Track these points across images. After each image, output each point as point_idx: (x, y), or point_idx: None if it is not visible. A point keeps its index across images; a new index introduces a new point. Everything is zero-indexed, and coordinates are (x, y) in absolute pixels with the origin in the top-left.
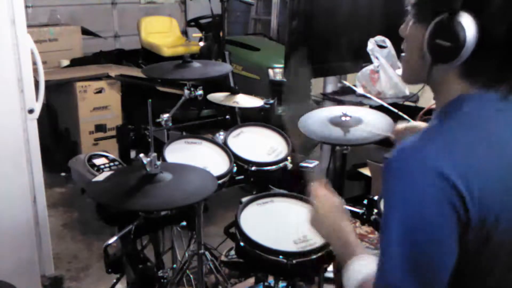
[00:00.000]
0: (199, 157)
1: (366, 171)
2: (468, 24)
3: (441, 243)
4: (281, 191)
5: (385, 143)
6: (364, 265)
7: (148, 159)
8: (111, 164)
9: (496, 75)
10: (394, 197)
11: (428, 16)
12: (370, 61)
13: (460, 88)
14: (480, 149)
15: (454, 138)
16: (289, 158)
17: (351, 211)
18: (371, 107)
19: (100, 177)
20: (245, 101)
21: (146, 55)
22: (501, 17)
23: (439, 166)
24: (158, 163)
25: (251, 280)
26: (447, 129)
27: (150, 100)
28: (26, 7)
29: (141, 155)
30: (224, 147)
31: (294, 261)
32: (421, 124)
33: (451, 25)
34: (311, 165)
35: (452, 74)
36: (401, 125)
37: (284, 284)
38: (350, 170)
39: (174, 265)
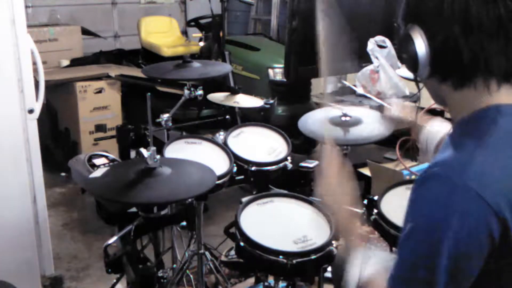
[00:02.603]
0: (199, 157)
1: (366, 171)
2: (416, 36)
3: (473, 268)
4: (281, 191)
5: (385, 143)
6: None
7: (148, 152)
8: (111, 164)
9: (463, 71)
10: (437, 219)
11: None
12: (370, 61)
13: (460, 96)
14: None
15: (496, 157)
16: (289, 158)
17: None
18: (371, 107)
19: (97, 172)
20: (245, 101)
21: (146, 55)
22: (436, 23)
23: (484, 189)
24: (158, 157)
25: (251, 280)
26: (488, 147)
27: (149, 93)
28: (26, 7)
29: (141, 148)
30: (224, 147)
31: (294, 261)
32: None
33: (403, 38)
34: (311, 165)
35: (436, 82)
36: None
37: (284, 284)
38: None
39: (174, 265)
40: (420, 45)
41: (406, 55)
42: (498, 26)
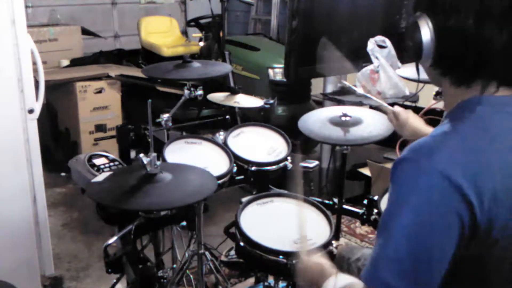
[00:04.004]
0: (199, 157)
1: (366, 171)
2: (422, 24)
3: (440, 250)
4: (281, 191)
5: (385, 143)
6: (345, 277)
7: (148, 159)
8: (111, 164)
9: (465, 71)
10: (401, 199)
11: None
12: (370, 61)
13: (454, 91)
14: (492, 155)
15: (466, 142)
16: (289, 158)
17: (351, 211)
18: (371, 107)
19: (100, 177)
20: (245, 101)
21: (146, 55)
22: (448, 11)
23: (450, 172)
24: (158, 163)
25: (251, 280)
26: (460, 133)
27: (150, 100)
28: (26, 7)
29: (141, 155)
30: (224, 147)
31: (294, 261)
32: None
33: (410, 25)
34: (311, 165)
35: (437, 74)
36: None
37: (284, 284)
38: (350, 170)
39: (174, 265)
40: (426, 33)
41: (411, 43)
42: (506, 18)
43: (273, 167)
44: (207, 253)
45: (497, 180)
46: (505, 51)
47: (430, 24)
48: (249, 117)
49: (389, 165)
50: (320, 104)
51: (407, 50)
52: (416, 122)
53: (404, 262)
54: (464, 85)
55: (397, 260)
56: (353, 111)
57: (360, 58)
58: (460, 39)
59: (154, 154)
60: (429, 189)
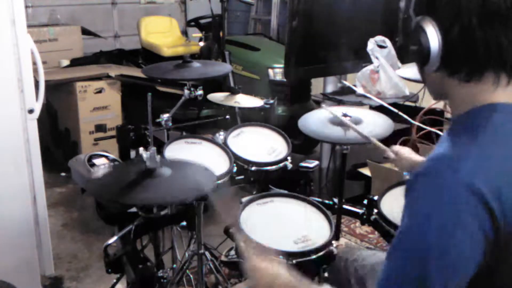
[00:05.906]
0: (199, 157)
1: (366, 171)
2: (427, 26)
3: (466, 264)
4: (281, 191)
5: (385, 143)
6: None
7: (148, 153)
8: (111, 164)
9: (475, 64)
10: (425, 214)
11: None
12: (370, 61)
13: (464, 92)
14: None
15: (488, 152)
16: (289, 158)
17: (351, 211)
18: (371, 107)
19: (100, 171)
20: (245, 101)
21: (146, 55)
22: (451, 14)
23: (474, 183)
24: (158, 157)
25: None
26: (480, 142)
27: (150, 93)
28: (26, 7)
29: (141, 148)
30: (224, 147)
31: (294, 261)
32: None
33: (414, 30)
34: (311, 165)
35: (442, 76)
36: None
37: None
38: (350, 170)
39: (174, 265)
40: (433, 37)
41: (416, 48)
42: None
43: (273, 167)
44: (207, 253)
45: None
46: (510, 45)
47: (436, 28)
48: (249, 117)
49: (389, 165)
50: (320, 104)
51: (412, 56)
52: (413, 155)
53: (429, 281)
54: (475, 78)
55: (423, 280)
56: (353, 111)
57: (360, 58)
58: (468, 40)
59: (154, 148)
60: (455, 204)
